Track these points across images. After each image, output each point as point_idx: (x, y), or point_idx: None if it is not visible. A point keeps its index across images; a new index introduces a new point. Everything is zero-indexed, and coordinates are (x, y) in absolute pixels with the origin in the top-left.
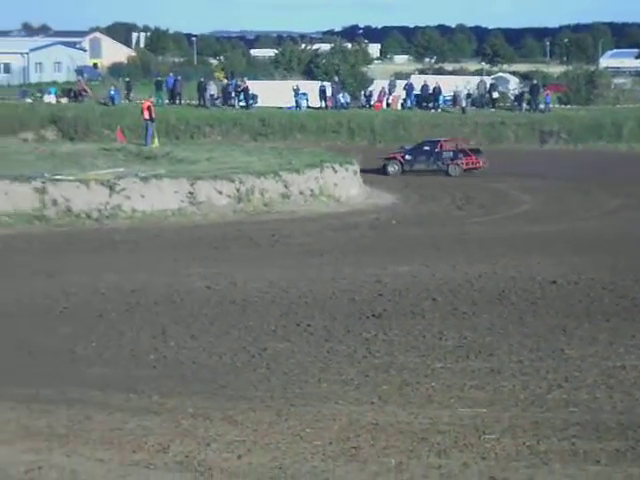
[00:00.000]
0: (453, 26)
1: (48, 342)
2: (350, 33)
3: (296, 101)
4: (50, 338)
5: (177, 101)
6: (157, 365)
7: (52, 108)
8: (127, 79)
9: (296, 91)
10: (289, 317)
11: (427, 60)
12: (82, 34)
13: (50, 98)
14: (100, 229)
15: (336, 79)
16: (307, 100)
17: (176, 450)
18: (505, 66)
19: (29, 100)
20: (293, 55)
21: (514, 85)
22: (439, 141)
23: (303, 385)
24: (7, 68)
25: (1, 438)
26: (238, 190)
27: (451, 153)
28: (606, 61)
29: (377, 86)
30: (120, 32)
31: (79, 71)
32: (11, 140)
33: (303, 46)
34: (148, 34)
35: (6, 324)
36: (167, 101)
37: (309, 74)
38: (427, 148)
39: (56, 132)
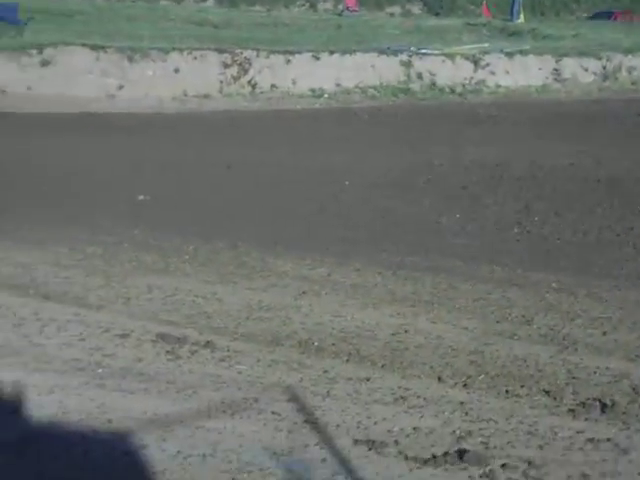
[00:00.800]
0: None
1: (413, 212)
2: None
3: None
4: (414, 208)
5: None
6: (520, 239)
7: None
8: None
9: None
10: None
11: None
12: None
13: None
14: (463, 103)
15: None
16: None
17: (540, 323)
18: None
19: None
20: None
21: None
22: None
23: None
24: None
25: (369, 302)
26: (604, 67)
27: None
28: None
29: None
30: None
31: None
32: (378, 14)
33: None
34: None
35: (373, 194)
36: None
37: None
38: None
39: (421, 7)
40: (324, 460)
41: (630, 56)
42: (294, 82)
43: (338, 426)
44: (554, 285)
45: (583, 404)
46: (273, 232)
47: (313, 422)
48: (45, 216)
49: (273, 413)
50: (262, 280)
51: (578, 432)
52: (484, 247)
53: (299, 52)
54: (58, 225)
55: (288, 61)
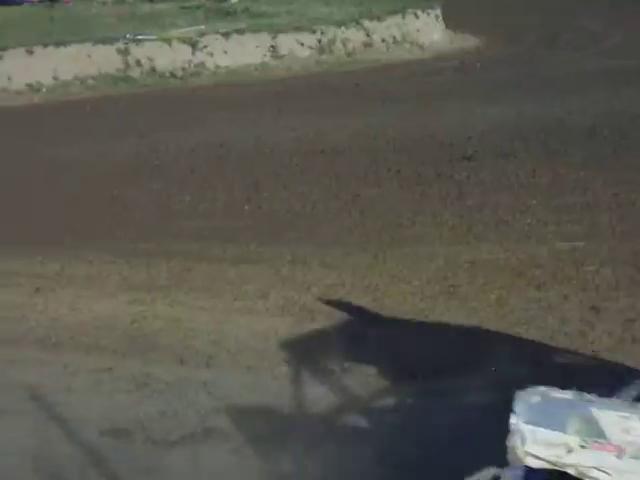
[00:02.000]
0: None
1: (143, 198)
2: None
3: None
4: (145, 194)
5: None
6: (252, 215)
7: None
8: None
9: None
10: (379, 163)
11: None
12: None
13: None
14: (185, 87)
15: None
16: None
17: (277, 296)
18: None
19: None
20: None
21: None
22: None
23: (397, 228)
24: None
25: (105, 291)
26: (320, 41)
27: None
28: None
29: None
30: None
31: None
32: (90, 4)
33: None
34: None
35: (102, 184)
36: None
37: None
38: None
39: None
40: (71, 456)
41: (343, 28)
42: (9, 78)
43: (83, 420)
44: (288, 257)
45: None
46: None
47: (57, 418)
48: None
49: (17, 413)
50: None
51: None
52: (216, 227)
53: (12, 47)
54: None
55: (0, 58)
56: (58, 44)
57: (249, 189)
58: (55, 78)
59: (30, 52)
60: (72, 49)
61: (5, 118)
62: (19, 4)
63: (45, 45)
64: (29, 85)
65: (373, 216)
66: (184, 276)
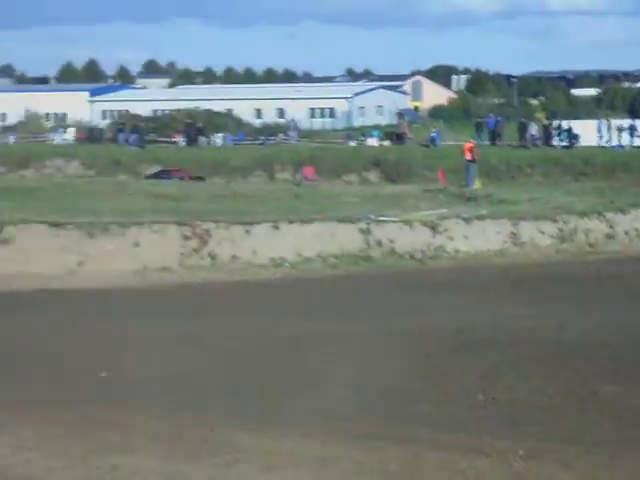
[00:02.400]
0: None
1: (372, 380)
2: None
3: (619, 140)
4: (375, 375)
5: (497, 142)
6: (486, 405)
7: (375, 151)
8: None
9: (620, 130)
10: (619, 359)
11: None
12: (403, 78)
13: (373, 141)
14: (423, 269)
15: None
16: (632, 139)
17: None
18: None
19: (353, 143)
20: (617, 93)
21: None
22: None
23: (637, 429)
24: (332, 112)
25: (336, 474)
26: (561, 230)
27: None
28: None
29: None
30: (440, 74)
31: (400, 114)
32: (335, 182)
33: (626, 84)
34: (468, 76)
35: (338, 363)
36: (487, 142)
37: (633, 112)
38: None
39: (379, 174)
40: None
41: (585, 218)
42: (254, 252)
43: None
44: (521, 452)
45: None
46: (237, 405)
47: None
48: (4, 396)
49: None
50: (226, 455)
51: None
52: (449, 414)
53: (258, 222)
54: (18, 405)
55: (248, 231)
56: (303, 221)
57: (484, 378)
58: (298, 254)
59: (276, 227)
60: (316, 227)
61: (246, 292)
62: (168, 178)
63: (291, 221)
64: (272, 260)
65: (611, 415)
66: (415, 463)
